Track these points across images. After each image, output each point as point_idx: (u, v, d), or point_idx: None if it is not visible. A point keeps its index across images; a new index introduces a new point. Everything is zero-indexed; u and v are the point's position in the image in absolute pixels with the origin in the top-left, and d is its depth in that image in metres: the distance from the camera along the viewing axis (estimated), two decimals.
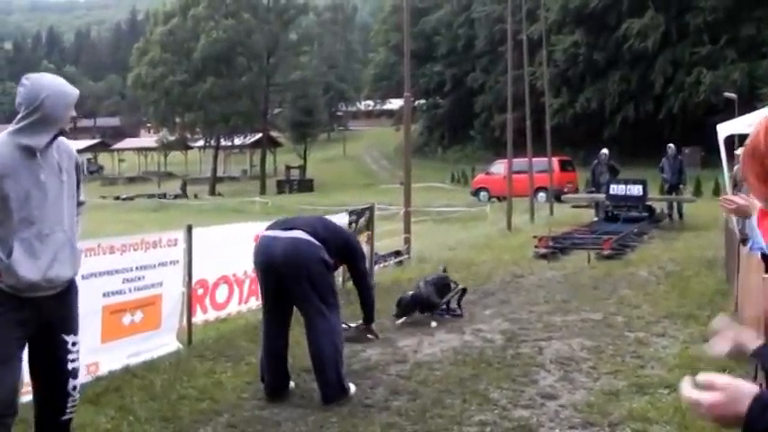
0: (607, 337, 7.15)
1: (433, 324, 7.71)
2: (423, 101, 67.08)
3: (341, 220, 10.03)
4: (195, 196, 50.27)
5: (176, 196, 50.24)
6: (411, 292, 8.01)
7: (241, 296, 7.85)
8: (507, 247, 14.71)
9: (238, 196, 45.34)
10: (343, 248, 5.65)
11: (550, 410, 5.11)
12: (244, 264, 7.46)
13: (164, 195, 49.85)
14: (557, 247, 13.65)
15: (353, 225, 10.22)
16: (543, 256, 12.88)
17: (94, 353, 5.99)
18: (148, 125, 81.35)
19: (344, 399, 5.24)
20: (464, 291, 8.64)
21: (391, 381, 5.86)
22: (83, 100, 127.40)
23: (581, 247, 13.61)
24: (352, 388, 5.39)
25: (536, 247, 13.41)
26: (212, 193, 55.76)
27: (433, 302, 7.96)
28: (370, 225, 10.78)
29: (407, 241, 12.94)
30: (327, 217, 6.40)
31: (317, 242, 5.29)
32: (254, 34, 59.81)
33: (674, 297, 9.08)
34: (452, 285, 8.52)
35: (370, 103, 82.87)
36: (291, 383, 5.57)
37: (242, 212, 31.44)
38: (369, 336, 6.75)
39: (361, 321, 6.53)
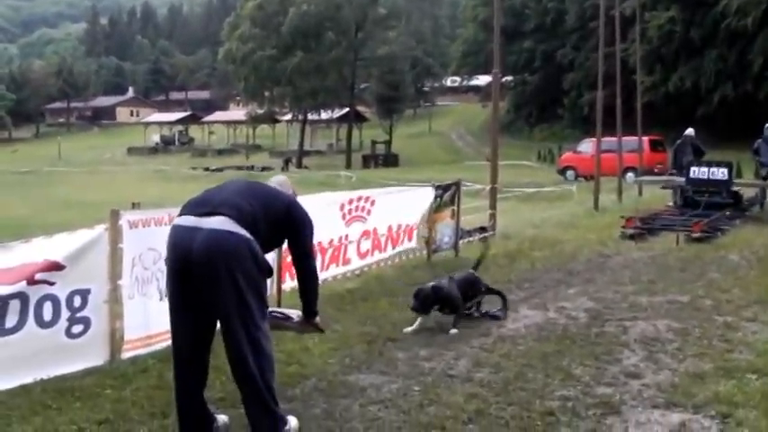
0: (694, 319, 7.04)
1: (452, 331, 6.54)
2: (510, 77, 66.16)
3: (427, 194, 10.15)
4: (283, 169, 51.17)
5: (284, 166, 52.47)
6: (432, 284, 6.78)
7: (325, 264, 8.10)
8: (593, 227, 14.52)
9: (324, 170, 45.89)
10: (281, 221, 4.25)
11: (633, 389, 5.11)
12: (329, 232, 8.20)
13: (251, 167, 50.89)
14: (645, 228, 13.38)
15: (438, 200, 10.31)
16: (630, 237, 12.67)
17: None
18: (238, 99, 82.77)
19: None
20: (503, 298, 7.38)
21: (474, 353, 5.94)
22: (175, 73, 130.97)
23: (670, 229, 13.32)
24: (294, 421, 4.21)
25: (623, 227, 13.18)
26: (299, 166, 56.57)
27: (454, 302, 6.73)
28: (455, 200, 10.86)
29: (492, 217, 12.94)
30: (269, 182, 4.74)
31: (245, 232, 3.95)
32: (343, 9, 60.04)
33: (767, 282, 8.84)
34: (482, 288, 7.30)
35: (457, 79, 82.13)
36: (223, 418, 4.35)
37: (327, 186, 31.73)
38: (313, 330, 4.94)
39: (300, 313, 4.77)
